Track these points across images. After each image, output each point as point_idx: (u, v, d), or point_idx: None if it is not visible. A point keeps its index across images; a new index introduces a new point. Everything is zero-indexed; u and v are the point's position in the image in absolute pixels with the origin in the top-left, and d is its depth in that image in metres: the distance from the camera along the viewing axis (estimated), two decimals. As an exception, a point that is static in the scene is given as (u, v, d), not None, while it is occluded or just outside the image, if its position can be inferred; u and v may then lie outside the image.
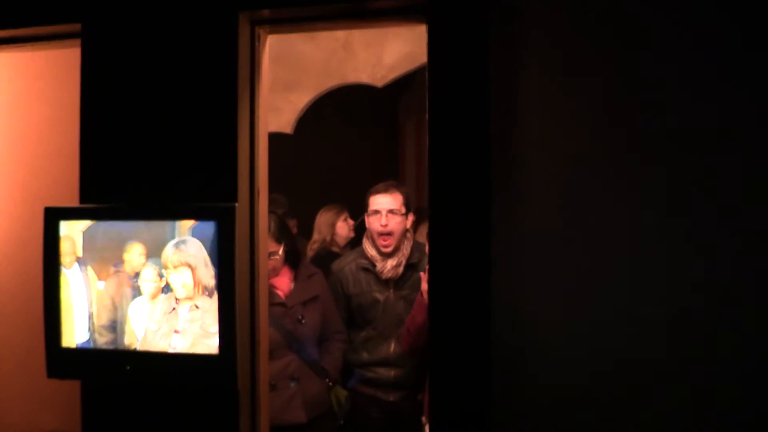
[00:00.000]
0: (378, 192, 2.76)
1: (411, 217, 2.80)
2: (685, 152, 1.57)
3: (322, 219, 3.66)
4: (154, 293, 1.80)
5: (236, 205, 1.77)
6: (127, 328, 1.83)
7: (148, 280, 1.80)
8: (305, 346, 2.66)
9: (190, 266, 1.75)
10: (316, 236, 3.61)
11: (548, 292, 1.66)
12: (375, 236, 2.75)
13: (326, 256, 3.41)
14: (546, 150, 1.66)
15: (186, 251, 1.76)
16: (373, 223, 2.75)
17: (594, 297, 1.64)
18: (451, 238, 1.66)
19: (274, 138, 2.91)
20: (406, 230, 2.77)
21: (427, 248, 2.27)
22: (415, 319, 2.48)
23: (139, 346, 1.82)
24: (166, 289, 1.81)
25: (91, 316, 1.85)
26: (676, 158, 1.58)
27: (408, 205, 2.77)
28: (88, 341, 1.85)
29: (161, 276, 1.79)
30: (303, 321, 2.65)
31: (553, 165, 1.65)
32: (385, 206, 2.72)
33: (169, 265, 1.77)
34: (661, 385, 1.58)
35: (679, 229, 1.58)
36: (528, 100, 1.66)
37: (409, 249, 2.75)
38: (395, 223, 2.71)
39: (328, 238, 3.58)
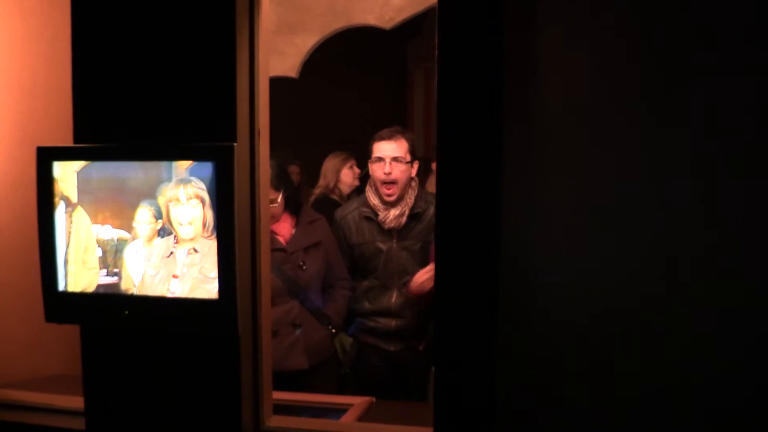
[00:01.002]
0: (382, 138, 2.70)
1: (416, 165, 2.74)
2: (710, 118, 1.48)
3: (329, 165, 3.65)
4: (150, 236, 1.77)
5: (235, 144, 1.73)
6: (124, 273, 1.80)
7: (144, 221, 1.76)
8: (307, 293, 2.66)
9: (201, 200, 1.72)
10: (321, 182, 3.60)
11: (563, 261, 1.59)
12: (378, 184, 2.71)
13: (324, 202, 3.38)
14: (564, 101, 1.58)
15: (196, 184, 1.72)
16: (377, 170, 2.71)
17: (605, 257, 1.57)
18: (460, 194, 1.62)
19: (279, 82, 2.83)
20: (411, 179, 2.72)
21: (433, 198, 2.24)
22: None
23: (137, 290, 1.80)
24: (163, 232, 1.77)
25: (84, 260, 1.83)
26: (702, 120, 1.49)
27: (413, 153, 2.71)
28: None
29: (157, 218, 1.75)
30: (304, 267, 2.64)
31: (570, 117, 1.57)
32: (389, 153, 2.67)
33: (180, 198, 1.72)
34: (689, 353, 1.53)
35: (703, 193, 1.50)
36: (546, 47, 1.58)
37: (413, 198, 2.72)
38: (399, 171, 2.67)
39: (331, 185, 3.56)
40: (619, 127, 1.53)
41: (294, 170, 3.88)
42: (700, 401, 1.51)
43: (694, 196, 1.48)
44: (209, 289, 1.75)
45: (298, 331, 2.61)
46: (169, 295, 1.78)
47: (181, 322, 1.78)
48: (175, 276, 1.77)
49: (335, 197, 3.55)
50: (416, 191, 2.74)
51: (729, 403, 1.49)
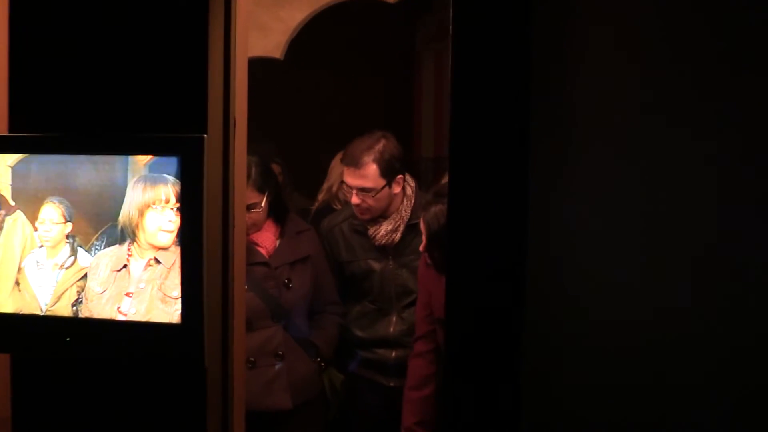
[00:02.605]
0: (347, 164, 2.72)
1: (400, 180, 2.73)
2: (747, 127, 1.52)
3: (335, 162, 3.60)
4: (57, 240, 1.77)
5: (205, 136, 1.73)
6: (27, 292, 1.80)
7: (49, 221, 1.76)
8: (292, 317, 2.65)
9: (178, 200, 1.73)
10: (326, 185, 3.54)
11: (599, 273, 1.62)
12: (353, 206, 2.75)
13: (327, 212, 3.35)
14: (604, 89, 1.59)
15: (167, 183, 1.71)
16: (347, 194, 2.76)
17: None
18: (477, 200, 1.63)
19: (261, 64, 2.81)
20: (395, 195, 2.73)
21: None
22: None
23: (46, 313, 1.79)
24: (111, 237, 1.75)
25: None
26: (739, 129, 1.53)
27: (392, 169, 2.70)
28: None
29: (67, 219, 1.75)
30: (290, 285, 2.63)
31: (611, 111, 1.59)
32: (355, 184, 2.70)
33: (157, 201, 1.73)
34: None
35: (748, 184, 1.53)
36: (582, 22, 1.59)
37: (409, 210, 2.73)
38: (371, 201, 2.70)
39: (334, 188, 3.52)
40: (654, 130, 1.56)
41: (274, 170, 3.85)
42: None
43: (731, 201, 1.53)
44: (170, 312, 1.74)
45: (280, 363, 2.60)
46: (119, 317, 1.77)
47: (135, 352, 1.78)
48: (128, 294, 1.76)
49: (337, 206, 3.52)
50: (413, 200, 2.75)
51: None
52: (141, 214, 1.74)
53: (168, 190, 1.73)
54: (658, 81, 1.56)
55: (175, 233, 1.73)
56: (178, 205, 1.72)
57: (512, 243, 1.62)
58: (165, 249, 1.73)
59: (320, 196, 3.43)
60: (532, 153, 1.61)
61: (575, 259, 1.63)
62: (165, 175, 1.72)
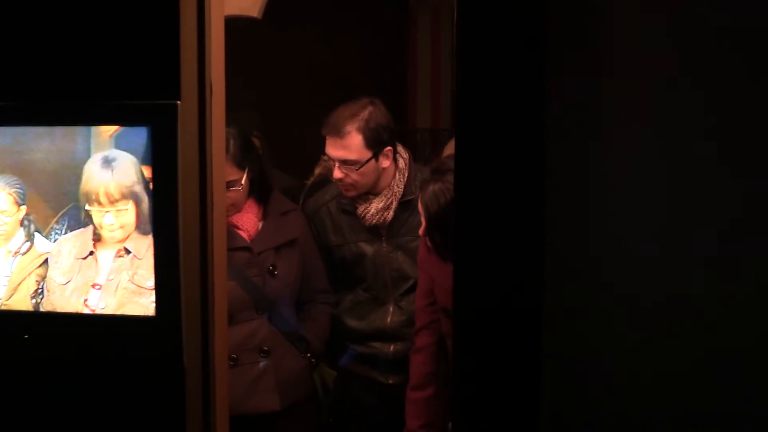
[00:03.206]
0: (329, 133, 2.69)
1: (389, 153, 2.70)
2: None
3: None
4: (10, 231, 1.77)
5: (178, 103, 1.73)
6: None
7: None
8: (278, 308, 2.63)
9: (134, 200, 1.75)
10: (324, 157, 3.50)
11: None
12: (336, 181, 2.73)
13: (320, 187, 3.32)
14: (633, 52, 1.59)
15: (125, 175, 1.73)
16: (331, 166, 2.72)
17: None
18: (489, 178, 1.63)
19: (237, 24, 2.79)
20: (383, 169, 2.70)
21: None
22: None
23: (2, 307, 1.81)
24: (73, 220, 1.75)
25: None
26: None
27: (377, 142, 2.66)
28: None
29: (20, 203, 1.76)
30: (276, 273, 2.62)
31: (639, 78, 1.59)
32: (337, 155, 2.67)
33: (102, 200, 1.75)
34: None
35: None
36: None
37: (402, 185, 2.72)
38: (356, 176, 2.66)
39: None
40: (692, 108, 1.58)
41: (255, 143, 3.82)
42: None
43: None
44: (144, 304, 1.76)
45: (266, 360, 2.60)
46: (86, 311, 1.77)
47: (105, 349, 1.79)
48: (96, 286, 1.77)
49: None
50: (406, 174, 2.74)
51: None
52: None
53: (111, 188, 1.74)
54: (690, 45, 1.57)
55: (125, 229, 1.76)
56: (128, 203, 1.75)
57: (528, 224, 1.62)
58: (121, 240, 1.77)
59: (316, 171, 3.38)
60: (549, 122, 1.60)
61: (602, 242, 1.63)
62: (108, 160, 1.74)
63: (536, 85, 1.59)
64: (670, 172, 1.60)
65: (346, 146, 2.64)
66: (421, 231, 2.40)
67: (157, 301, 1.73)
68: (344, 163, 2.64)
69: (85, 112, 1.73)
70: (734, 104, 1.54)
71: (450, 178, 2.24)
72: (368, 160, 2.64)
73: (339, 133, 2.64)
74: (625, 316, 1.63)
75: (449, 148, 3.69)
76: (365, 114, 2.66)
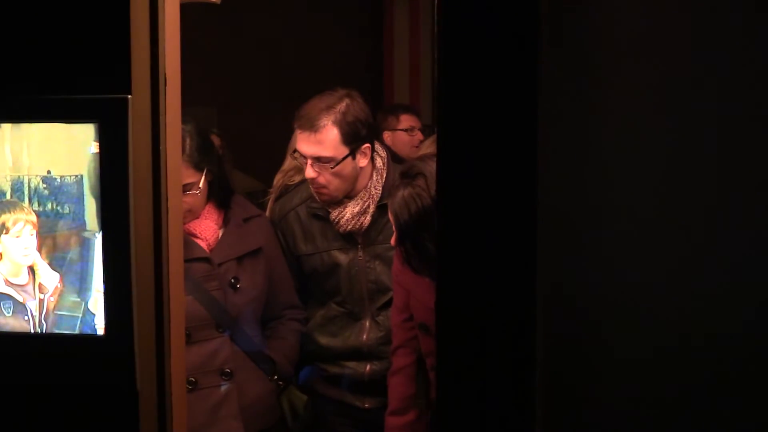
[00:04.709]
0: (301, 126, 2.67)
1: (367, 150, 2.71)
2: None
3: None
4: None
5: (129, 97, 1.72)
6: None
7: None
8: (242, 325, 2.64)
9: (33, 224, 1.75)
10: (286, 164, 3.50)
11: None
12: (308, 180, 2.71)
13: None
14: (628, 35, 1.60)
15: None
16: (302, 164, 2.71)
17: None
18: (475, 174, 1.62)
19: (196, 9, 2.80)
20: (361, 169, 2.71)
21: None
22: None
23: None
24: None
25: None
26: None
27: (355, 138, 2.67)
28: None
29: None
30: (238, 286, 2.62)
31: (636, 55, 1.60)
32: (309, 152, 2.65)
33: (8, 224, 1.77)
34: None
35: None
36: None
37: (380, 186, 2.73)
38: (330, 175, 2.65)
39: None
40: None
41: (214, 142, 3.82)
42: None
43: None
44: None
45: (228, 383, 2.60)
46: (20, 330, 1.78)
47: (48, 372, 1.78)
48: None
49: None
50: (384, 174, 2.75)
51: None
52: None
53: (17, 215, 1.75)
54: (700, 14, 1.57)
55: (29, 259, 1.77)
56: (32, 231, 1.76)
57: (518, 231, 1.62)
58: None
59: (280, 177, 3.38)
60: (542, 118, 1.60)
61: (600, 252, 1.63)
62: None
63: (528, 75, 1.59)
64: (670, 175, 1.60)
65: (321, 141, 2.63)
66: (392, 241, 2.40)
67: (106, 318, 1.72)
68: (318, 160, 2.63)
69: (23, 109, 1.73)
70: (741, 102, 1.55)
71: (420, 182, 2.26)
72: (344, 158, 2.63)
73: (313, 126, 2.63)
74: (629, 337, 1.63)
75: (424, 148, 3.74)
76: (342, 106, 2.66)
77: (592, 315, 1.64)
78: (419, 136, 4.50)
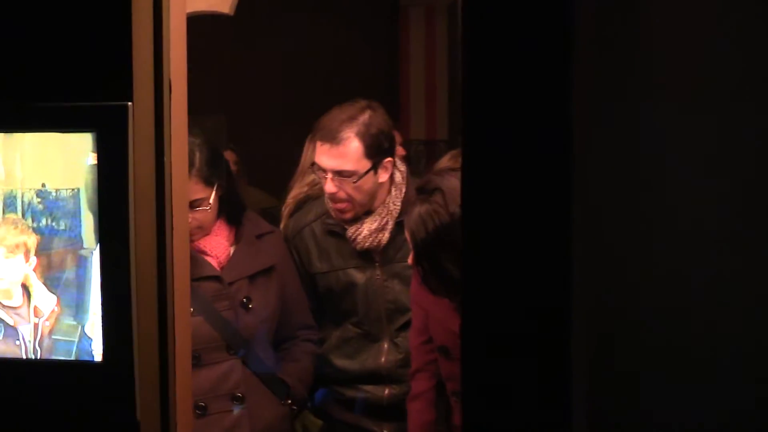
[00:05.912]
0: (322, 138, 2.64)
1: (388, 165, 2.68)
2: None
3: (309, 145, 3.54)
4: None
5: (129, 104, 1.70)
6: None
7: None
8: (254, 347, 2.62)
9: (26, 248, 1.74)
10: (313, 167, 3.46)
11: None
12: (325, 197, 2.69)
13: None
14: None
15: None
16: (321, 179, 2.69)
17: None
18: (503, 191, 1.58)
19: (205, 22, 2.88)
20: (381, 184, 2.68)
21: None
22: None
23: None
24: None
25: None
26: None
27: (379, 148, 2.64)
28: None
29: None
30: (250, 306, 2.59)
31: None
32: (330, 166, 2.62)
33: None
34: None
35: None
36: None
37: (399, 202, 2.69)
38: (352, 190, 2.62)
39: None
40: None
41: (229, 158, 3.78)
42: None
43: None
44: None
45: (240, 408, 2.56)
46: (12, 356, 1.78)
47: (38, 402, 1.76)
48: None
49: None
50: (403, 189, 2.71)
51: None
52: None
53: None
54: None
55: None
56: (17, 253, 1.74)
57: (552, 251, 1.57)
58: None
59: (295, 190, 3.32)
60: (576, 129, 1.55)
61: (641, 275, 1.58)
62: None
63: (560, 85, 1.54)
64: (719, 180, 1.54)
65: (343, 154, 2.59)
66: (410, 260, 2.35)
67: (105, 342, 1.70)
68: (339, 174, 2.59)
69: (18, 116, 1.72)
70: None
71: (438, 198, 2.22)
72: (367, 172, 2.60)
73: (335, 138, 2.59)
74: (673, 365, 1.58)
75: (442, 163, 3.67)
76: (365, 118, 2.63)
77: (632, 340, 1.59)
78: None
